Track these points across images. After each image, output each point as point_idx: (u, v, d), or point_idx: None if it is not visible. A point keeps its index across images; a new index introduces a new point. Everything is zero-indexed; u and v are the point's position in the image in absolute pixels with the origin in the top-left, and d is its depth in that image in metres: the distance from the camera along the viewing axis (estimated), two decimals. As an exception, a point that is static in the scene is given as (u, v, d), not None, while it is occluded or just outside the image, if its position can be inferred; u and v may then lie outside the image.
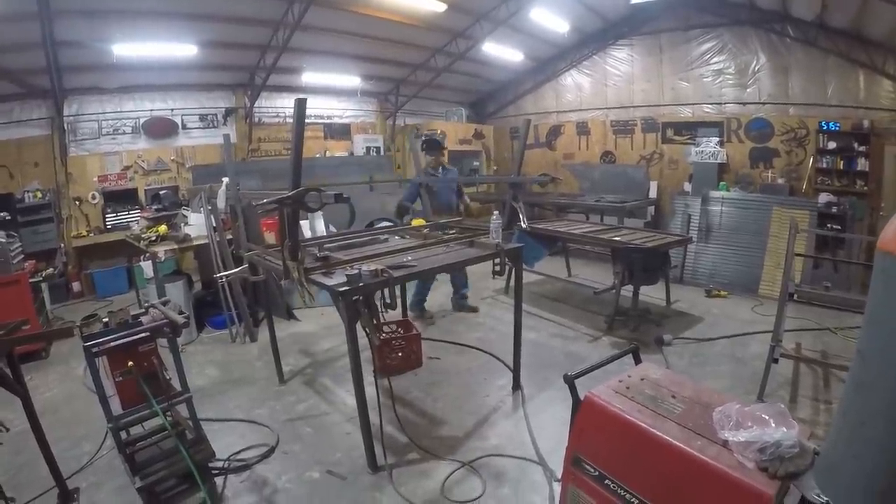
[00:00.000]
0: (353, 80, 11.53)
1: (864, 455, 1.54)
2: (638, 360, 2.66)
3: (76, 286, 8.50)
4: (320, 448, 3.89)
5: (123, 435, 3.09)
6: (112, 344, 2.88)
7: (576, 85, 12.87)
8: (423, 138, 6.54)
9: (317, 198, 3.07)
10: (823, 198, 8.57)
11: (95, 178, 8.95)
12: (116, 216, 8.90)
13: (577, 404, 2.32)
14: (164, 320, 3.10)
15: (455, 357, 5.59)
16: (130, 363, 2.96)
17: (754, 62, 9.98)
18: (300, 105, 3.01)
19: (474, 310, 6.90)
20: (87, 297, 8.46)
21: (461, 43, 10.82)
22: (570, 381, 2.38)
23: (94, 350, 2.83)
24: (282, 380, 5.02)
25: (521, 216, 4.78)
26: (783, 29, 9.49)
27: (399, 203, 6.70)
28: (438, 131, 6.88)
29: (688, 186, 10.38)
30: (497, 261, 4.19)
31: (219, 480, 3.44)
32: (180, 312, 3.22)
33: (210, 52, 8.73)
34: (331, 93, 11.90)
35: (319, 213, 6.57)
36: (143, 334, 3.02)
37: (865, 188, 8.90)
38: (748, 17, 9.82)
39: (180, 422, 3.25)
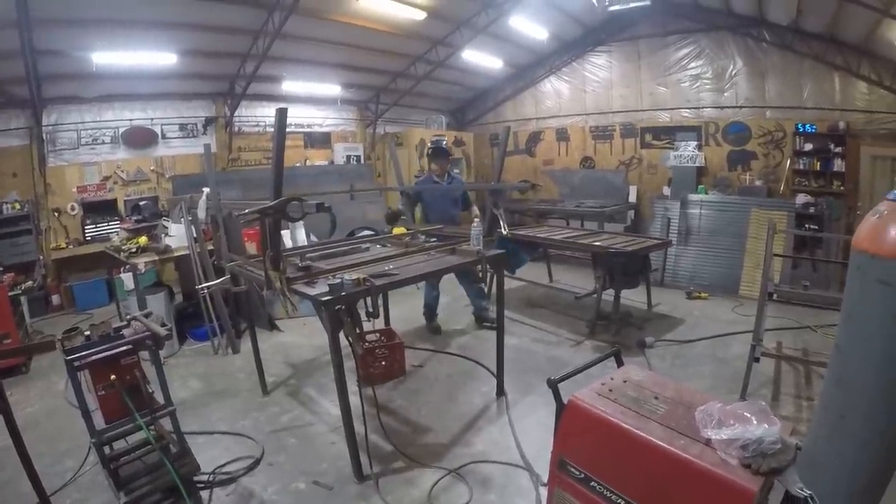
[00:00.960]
0: (333, 89, 11.51)
1: (844, 448, 1.59)
2: (620, 363, 2.68)
3: (56, 299, 8.36)
4: (305, 459, 3.86)
5: (107, 450, 3.04)
6: (94, 357, 2.84)
7: (555, 91, 12.98)
8: (430, 146, 6.47)
9: (298, 207, 3.06)
10: (801, 198, 8.72)
11: (74, 189, 8.82)
12: (96, 227, 8.78)
13: (560, 408, 2.33)
14: (147, 332, 3.07)
15: (438, 365, 5.58)
16: (113, 376, 2.92)
17: (731, 67, 10.15)
18: (281, 114, 3.01)
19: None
20: (66, 310, 8.32)
21: (441, 51, 10.86)
22: (553, 385, 2.39)
23: (76, 364, 2.79)
24: (265, 391, 4.97)
25: (501, 223, 4.80)
26: (759, 34, 9.66)
27: (393, 209, 6.54)
28: (445, 141, 6.82)
29: (667, 190, 10.50)
30: (479, 268, 4.20)
31: (204, 494, 3.40)
32: (163, 324, 3.19)
33: (190, 60, 8.67)
34: (311, 101, 11.86)
35: (300, 222, 6.54)
36: (125, 347, 2.98)
37: (842, 188, 9.07)
38: (725, 23, 9.99)
39: (164, 435, 3.21)
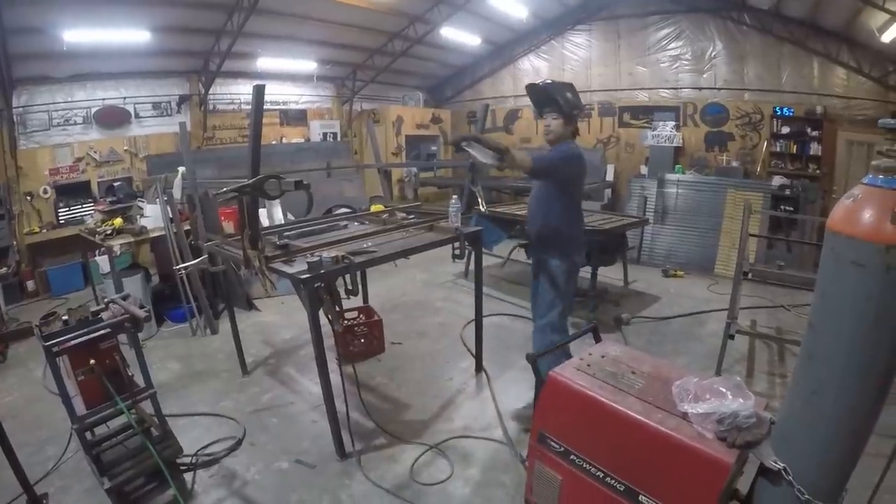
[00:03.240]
0: (309, 65, 11.35)
1: (816, 422, 1.63)
2: (598, 339, 2.72)
3: (30, 285, 8.16)
4: (287, 438, 3.86)
5: (88, 436, 3.00)
6: (73, 342, 2.79)
7: (534, 69, 12.93)
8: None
9: (276, 185, 3.02)
10: (777, 180, 8.83)
11: (46, 172, 8.57)
12: (70, 210, 8.57)
13: (540, 383, 2.36)
14: (125, 315, 3.02)
15: (417, 342, 5.60)
16: (92, 361, 2.87)
17: (711, 48, 10.21)
18: (258, 91, 2.96)
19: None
20: (42, 295, 8.14)
21: (419, 27, 10.76)
22: (532, 360, 2.43)
23: (55, 350, 2.74)
24: (245, 371, 4.95)
25: (479, 200, 4.78)
26: (740, 17, 9.73)
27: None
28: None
29: (644, 169, 10.58)
30: (457, 245, 4.20)
31: (188, 476, 3.39)
32: (141, 306, 3.15)
33: (163, 37, 8.47)
34: (286, 78, 11.69)
35: (277, 200, 6.46)
36: (104, 331, 2.93)
37: (818, 171, 9.21)
38: (705, 5, 10.04)
39: (145, 419, 3.18)
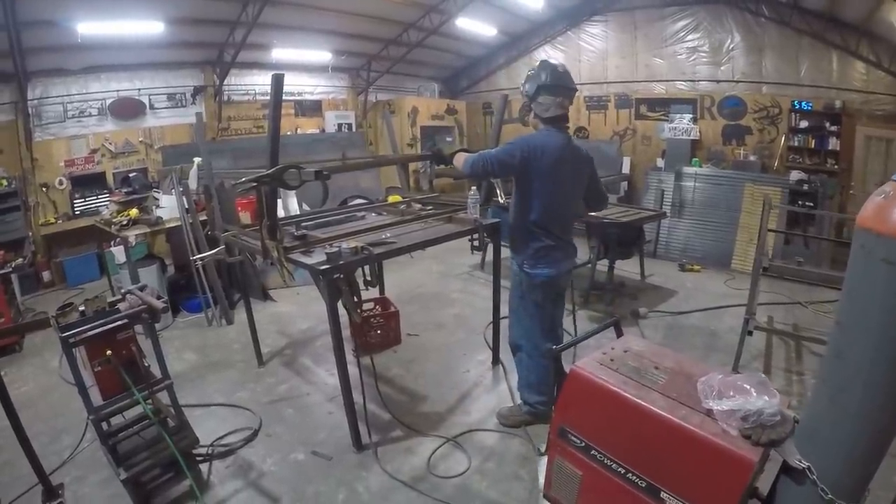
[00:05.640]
0: (324, 56, 11.30)
1: (842, 420, 1.60)
2: (619, 333, 2.69)
3: (46, 275, 8.25)
4: (304, 429, 3.87)
5: (104, 426, 3.01)
6: (90, 333, 2.78)
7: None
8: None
9: (296, 175, 2.99)
10: (795, 175, 8.70)
11: (62, 163, 8.63)
12: (85, 201, 8.64)
13: (561, 377, 2.34)
14: (143, 306, 3.00)
15: (433, 333, 5.60)
16: (109, 352, 2.86)
17: (729, 40, 10.03)
18: (277, 81, 2.91)
19: None
20: (57, 286, 8.22)
21: (434, 17, 10.65)
22: (554, 354, 2.40)
23: (72, 341, 2.72)
24: (261, 362, 4.97)
25: (498, 191, 4.75)
26: (758, 9, 9.54)
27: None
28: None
29: (660, 162, 10.45)
30: (475, 236, 4.18)
31: (203, 467, 3.41)
32: (158, 297, 3.14)
33: (177, 28, 8.46)
34: (301, 69, 11.66)
35: (293, 191, 6.45)
36: (121, 322, 2.90)
37: (836, 167, 9.06)
38: (724, -4, 9.85)
39: (162, 409, 3.20)
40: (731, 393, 1.86)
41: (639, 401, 2.00)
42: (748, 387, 1.86)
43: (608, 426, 2.13)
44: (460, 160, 3.40)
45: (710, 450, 1.78)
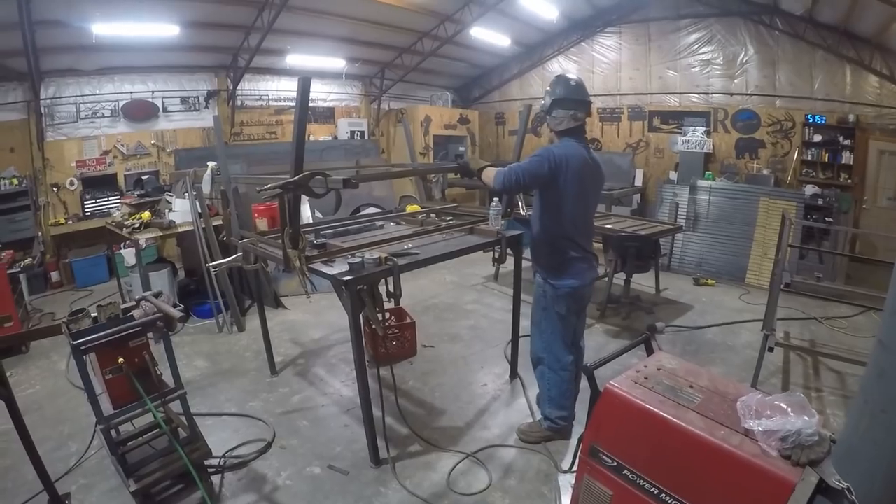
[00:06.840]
0: (338, 63, 11.33)
1: (884, 441, 1.57)
2: (650, 351, 2.63)
3: (55, 276, 8.23)
4: (319, 442, 3.80)
5: (114, 434, 2.95)
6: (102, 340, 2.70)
7: (563, 71, 12.75)
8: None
9: (322, 182, 2.93)
10: (810, 189, 8.65)
11: (73, 164, 8.66)
12: (95, 202, 8.64)
13: (595, 395, 2.29)
14: (158, 314, 2.93)
15: (449, 345, 5.54)
16: (121, 360, 2.77)
17: (742, 53, 10.04)
18: (304, 84, 2.84)
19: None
20: (66, 286, 8.20)
21: (449, 27, 10.67)
22: (589, 372, 2.35)
23: (83, 348, 2.65)
24: (274, 371, 4.90)
25: (520, 203, 4.72)
26: (772, 21, 9.55)
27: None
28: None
29: (673, 175, 10.43)
30: (497, 248, 4.12)
31: (215, 479, 3.34)
32: (174, 305, 3.07)
33: (192, 32, 8.48)
34: (315, 75, 11.55)
35: (306, 198, 6.40)
36: (135, 329, 2.83)
37: (850, 181, 9.03)
38: (738, 9, 9.86)
39: (173, 419, 3.13)
40: (769, 413, 1.82)
41: (677, 420, 1.94)
42: (785, 406, 1.83)
43: (643, 445, 2.07)
44: (490, 175, 3.37)
45: (750, 470, 1.74)
